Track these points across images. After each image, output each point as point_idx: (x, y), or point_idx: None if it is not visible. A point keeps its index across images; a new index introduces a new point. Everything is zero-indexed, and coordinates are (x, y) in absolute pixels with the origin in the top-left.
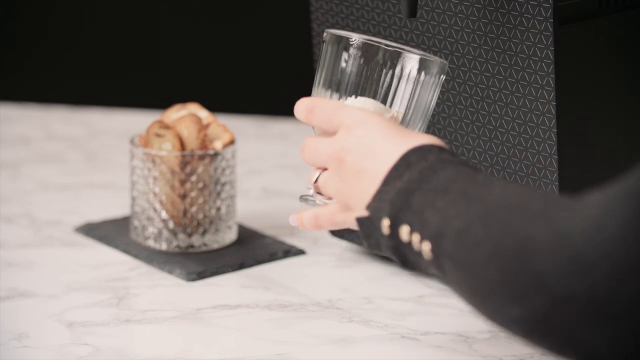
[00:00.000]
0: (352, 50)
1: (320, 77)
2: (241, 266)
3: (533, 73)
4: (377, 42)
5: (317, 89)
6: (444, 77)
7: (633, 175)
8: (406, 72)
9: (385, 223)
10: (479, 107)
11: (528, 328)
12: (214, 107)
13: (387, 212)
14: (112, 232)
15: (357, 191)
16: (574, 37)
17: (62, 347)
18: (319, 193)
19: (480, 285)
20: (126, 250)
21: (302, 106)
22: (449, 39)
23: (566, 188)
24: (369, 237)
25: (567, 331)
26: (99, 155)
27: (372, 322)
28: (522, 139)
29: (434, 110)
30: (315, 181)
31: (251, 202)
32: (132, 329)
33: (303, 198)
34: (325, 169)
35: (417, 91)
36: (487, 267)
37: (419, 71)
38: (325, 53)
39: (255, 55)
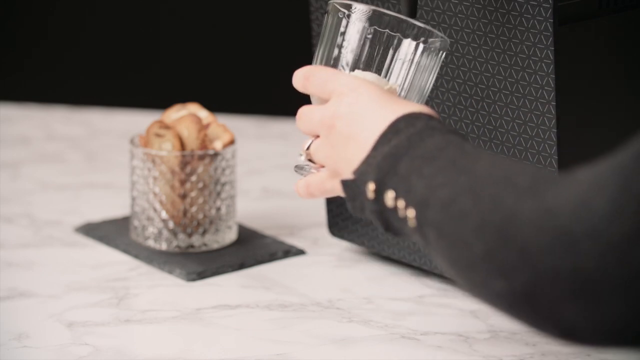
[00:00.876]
0: (353, 18)
1: (319, 49)
2: (241, 266)
3: (533, 73)
4: (379, 10)
5: (317, 61)
6: (444, 55)
7: (623, 153)
8: (406, 41)
9: (371, 187)
10: (479, 107)
11: (511, 302)
12: (214, 107)
13: (373, 176)
14: (112, 232)
15: (345, 157)
16: (574, 37)
17: (62, 347)
18: (311, 161)
19: (464, 257)
20: (126, 250)
21: (299, 74)
22: (449, 39)
23: None
24: (354, 200)
25: (550, 307)
26: (99, 155)
27: (372, 322)
28: (522, 139)
29: (435, 111)
30: (308, 148)
31: (251, 202)
32: (132, 329)
33: (298, 167)
34: (318, 137)
35: (416, 63)
36: (473, 240)
37: (420, 42)
38: (326, 24)
39: (256, 55)
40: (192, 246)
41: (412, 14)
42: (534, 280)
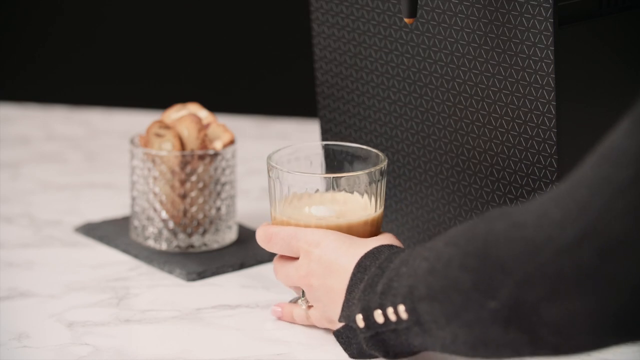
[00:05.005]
0: (281, 178)
1: (271, 200)
2: (241, 266)
3: (533, 73)
4: (301, 175)
5: (272, 207)
6: (385, 165)
7: (580, 169)
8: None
9: (359, 318)
10: (479, 107)
11: (504, 320)
12: (214, 107)
13: (358, 308)
14: (112, 232)
15: (331, 308)
16: (574, 37)
17: (62, 347)
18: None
19: (457, 299)
20: (126, 250)
21: (260, 235)
22: (449, 39)
23: None
24: (349, 345)
25: (538, 314)
26: (99, 155)
27: None
28: (522, 139)
29: (435, 111)
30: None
31: (251, 202)
32: (132, 329)
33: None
34: None
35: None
36: (461, 276)
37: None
38: (269, 179)
39: (255, 55)
40: (192, 246)
41: (412, 14)
42: (515, 290)
